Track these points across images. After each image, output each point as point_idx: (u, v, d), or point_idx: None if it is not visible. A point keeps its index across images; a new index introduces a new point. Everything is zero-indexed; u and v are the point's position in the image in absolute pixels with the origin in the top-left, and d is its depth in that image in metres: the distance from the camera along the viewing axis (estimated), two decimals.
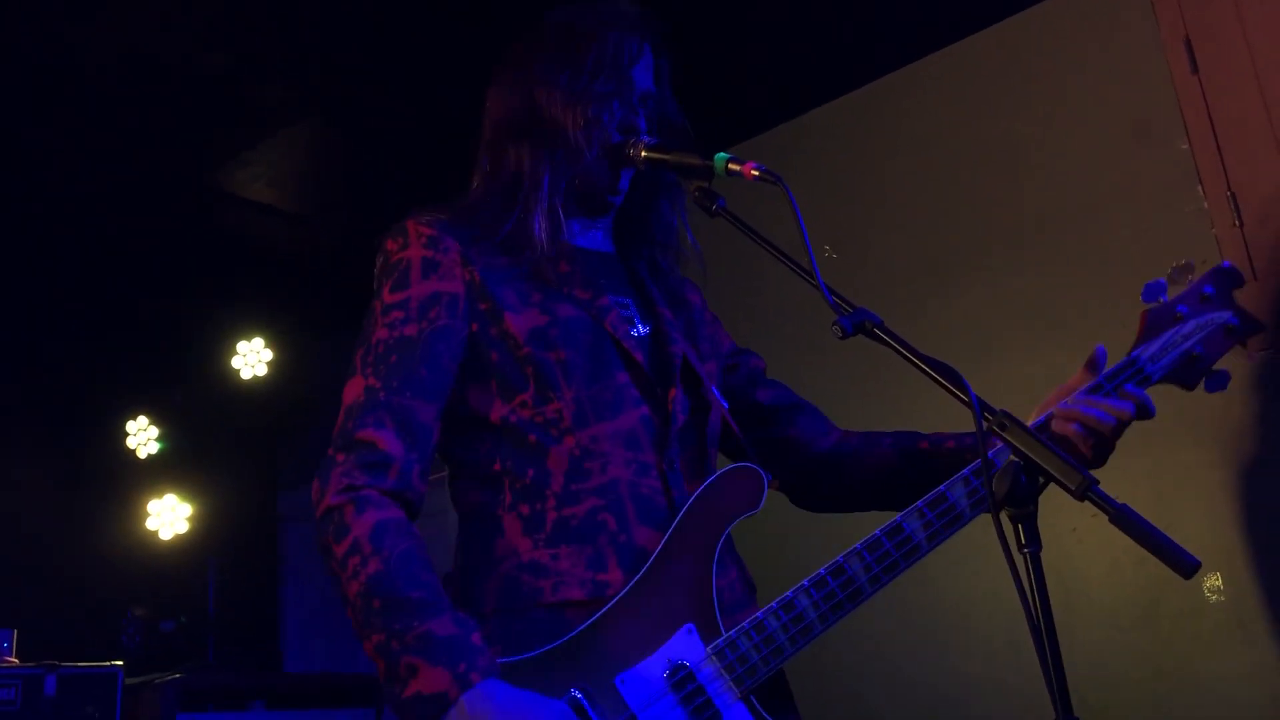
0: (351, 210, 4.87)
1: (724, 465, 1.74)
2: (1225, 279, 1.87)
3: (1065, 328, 3.28)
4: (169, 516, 5.29)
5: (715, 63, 3.72)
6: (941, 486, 1.68)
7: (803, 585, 1.60)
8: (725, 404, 1.84)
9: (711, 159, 1.68)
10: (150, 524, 5.27)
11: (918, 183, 3.73)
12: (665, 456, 1.67)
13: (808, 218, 1.57)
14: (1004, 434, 1.41)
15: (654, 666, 1.53)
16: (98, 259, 4.86)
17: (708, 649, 1.56)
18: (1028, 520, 1.40)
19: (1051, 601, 1.34)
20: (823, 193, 3.82)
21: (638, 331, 1.76)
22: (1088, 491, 1.33)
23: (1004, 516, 1.40)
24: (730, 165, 1.65)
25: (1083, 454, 1.70)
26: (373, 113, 4.19)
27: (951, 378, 1.46)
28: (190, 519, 5.32)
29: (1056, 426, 1.72)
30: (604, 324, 1.69)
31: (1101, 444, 1.71)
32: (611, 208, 1.86)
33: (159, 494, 5.30)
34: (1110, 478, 1.45)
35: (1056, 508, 1.41)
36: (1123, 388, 1.75)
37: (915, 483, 1.77)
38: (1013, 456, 1.42)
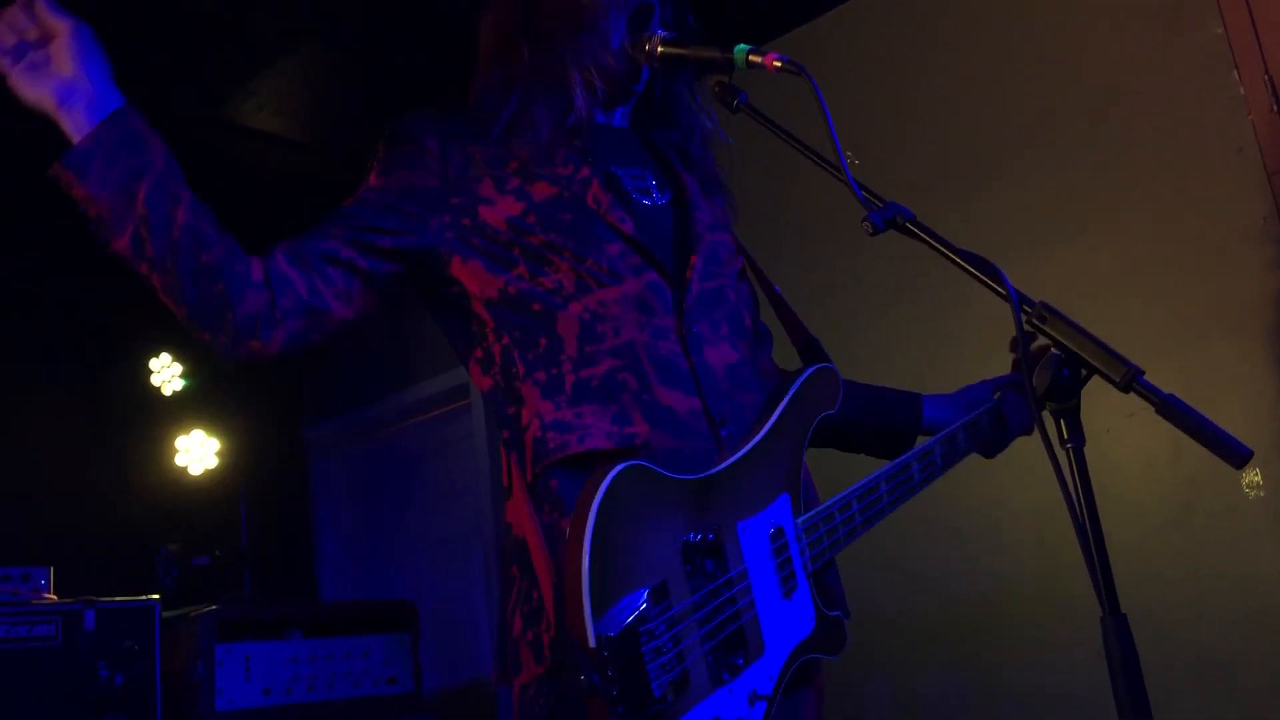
0: (363, 134, 4.79)
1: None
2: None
3: (1100, 222, 3.20)
4: (198, 452, 5.32)
5: None
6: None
7: (882, 471, 1.72)
8: (776, 286, 1.88)
9: (730, 51, 1.62)
10: (179, 460, 5.30)
11: (939, 84, 3.62)
12: (684, 321, 1.63)
13: (833, 113, 1.51)
14: (1044, 326, 1.36)
15: (762, 524, 1.57)
16: None
17: (796, 520, 1.61)
18: (1070, 415, 1.36)
19: None
20: (843, 97, 3.72)
21: (653, 199, 1.73)
22: (1133, 382, 1.29)
23: (1045, 413, 1.36)
24: (751, 57, 1.59)
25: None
26: (373, 30, 4.09)
27: (988, 271, 1.41)
28: (219, 453, 5.35)
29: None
30: (586, 199, 1.63)
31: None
32: (632, 95, 1.81)
33: (186, 430, 5.33)
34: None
35: (1088, 407, 1.37)
36: None
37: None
38: (1054, 349, 1.37)
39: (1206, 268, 3.01)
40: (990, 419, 1.95)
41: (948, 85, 3.60)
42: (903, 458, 1.78)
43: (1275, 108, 2.90)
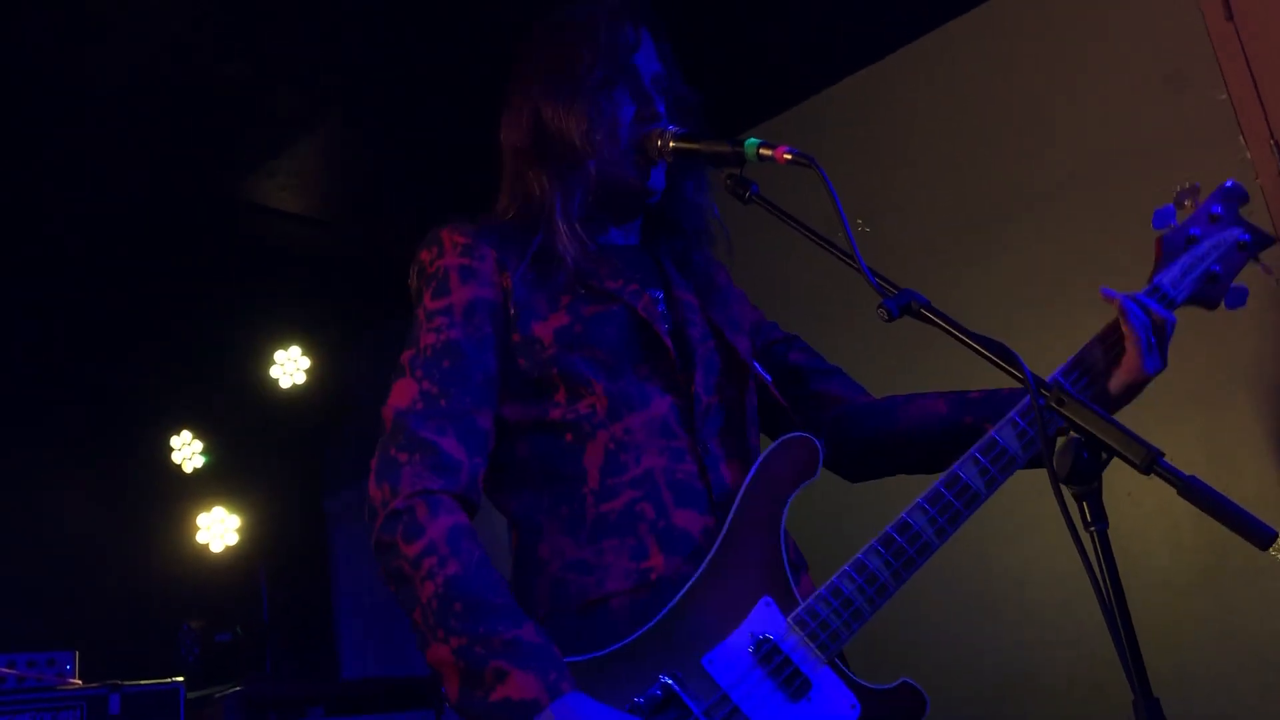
0: (378, 212, 4.88)
1: (766, 444, 1.73)
2: (1231, 197, 1.87)
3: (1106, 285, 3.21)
4: (219, 529, 5.35)
5: (733, 41, 3.68)
6: (991, 432, 1.65)
7: (872, 546, 1.59)
8: (769, 376, 1.84)
9: (741, 145, 1.64)
10: (201, 537, 5.33)
11: (947, 149, 3.67)
12: (698, 439, 1.66)
13: (838, 191, 1.52)
14: (1062, 410, 1.37)
15: (738, 642, 1.53)
16: (130, 276, 4.90)
17: (788, 619, 1.56)
18: (1092, 497, 1.36)
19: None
20: (851, 165, 3.76)
21: (668, 324, 1.75)
22: (1154, 465, 1.29)
23: (1067, 494, 1.36)
24: (762, 150, 1.62)
25: (1146, 353, 1.68)
26: (392, 113, 4.19)
27: (1004, 354, 1.43)
28: (240, 530, 5.38)
29: (1109, 332, 1.73)
30: (637, 308, 1.68)
31: (1163, 342, 1.70)
32: (647, 207, 1.84)
33: (207, 507, 5.36)
34: (1164, 440, 1.41)
35: (1110, 472, 1.37)
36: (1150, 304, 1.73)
37: (967, 431, 1.75)
38: (1072, 433, 1.38)
39: (1222, 328, 3.02)
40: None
41: (952, 152, 3.64)
42: (899, 519, 1.62)
43: None
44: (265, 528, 5.46)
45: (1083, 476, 1.36)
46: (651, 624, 1.51)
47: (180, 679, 3.52)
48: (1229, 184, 1.88)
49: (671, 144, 1.72)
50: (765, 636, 1.54)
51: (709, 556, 1.57)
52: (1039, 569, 3.18)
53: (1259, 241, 1.86)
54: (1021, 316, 3.29)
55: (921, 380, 3.39)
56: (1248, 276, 1.86)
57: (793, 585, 1.59)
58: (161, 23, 3.52)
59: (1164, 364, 1.70)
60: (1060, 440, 1.38)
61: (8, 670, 3.27)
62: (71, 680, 3.38)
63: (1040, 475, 1.67)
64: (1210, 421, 2.96)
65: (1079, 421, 1.36)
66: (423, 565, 1.46)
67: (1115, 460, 1.35)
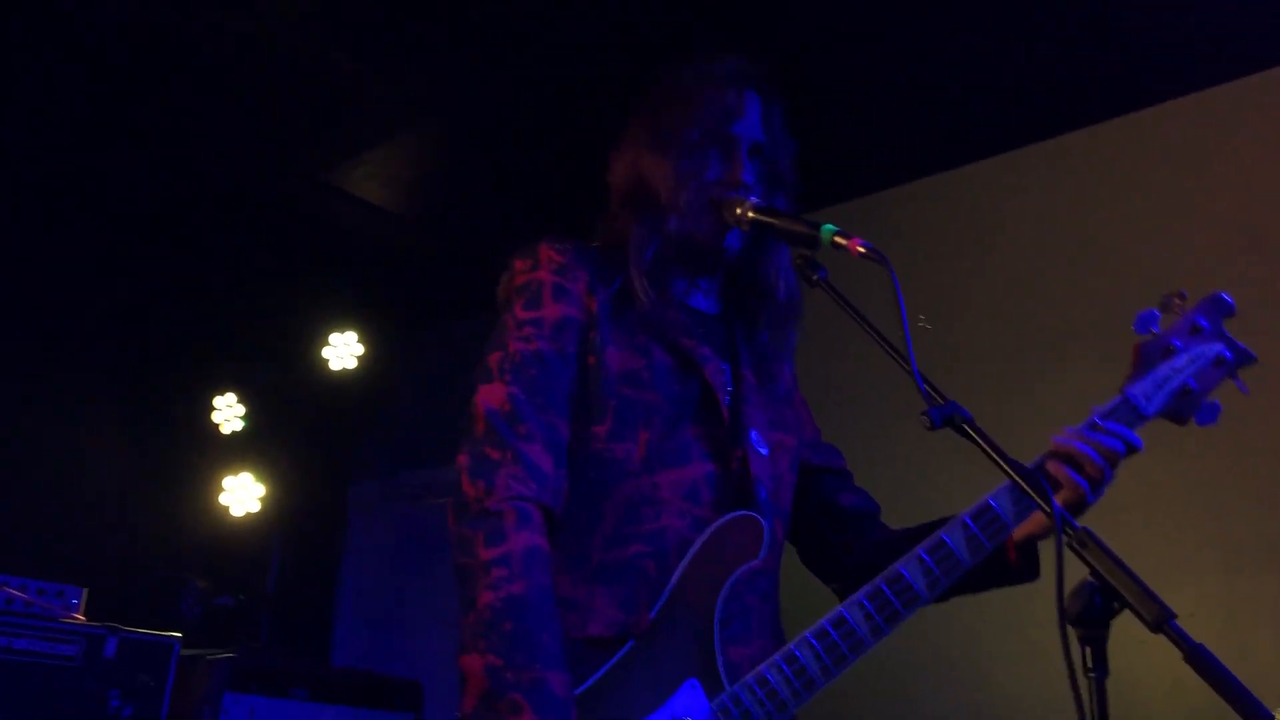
0: (455, 216, 4.97)
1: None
2: (1218, 309, 1.83)
3: (1156, 433, 3.18)
4: (243, 494, 5.42)
5: (827, 118, 3.72)
6: (940, 533, 1.64)
7: (804, 637, 1.59)
8: (792, 476, 1.85)
9: (819, 228, 1.66)
10: (223, 499, 5.40)
11: (1017, 267, 3.68)
12: (719, 512, 1.67)
13: (904, 282, 1.53)
14: (1084, 552, 1.37)
15: None
16: (208, 240, 5.03)
17: (712, 704, 1.54)
18: (1097, 644, 1.36)
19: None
20: (921, 262, 3.78)
21: (728, 396, 1.78)
22: (1164, 625, 1.30)
23: (1072, 635, 1.36)
24: (837, 239, 1.63)
25: (1071, 493, 1.66)
26: (484, 122, 4.26)
27: (1036, 487, 1.43)
28: (262, 499, 5.44)
29: (1050, 466, 1.69)
30: (704, 371, 1.72)
31: (1091, 483, 1.68)
32: (720, 266, 1.87)
33: (235, 471, 5.43)
34: (1184, 599, 1.41)
35: (1125, 615, 1.37)
36: (1107, 426, 1.71)
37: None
38: (1089, 576, 1.38)
39: (1261, 494, 2.99)
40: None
41: (1021, 270, 3.65)
42: (835, 612, 1.61)
43: None
44: (287, 502, 5.52)
45: (1092, 621, 1.36)
46: (583, 688, 1.51)
47: (178, 635, 3.57)
48: (1218, 295, 1.83)
49: (750, 214, 1.76)
50: (687, 719, 1.53)
51: (646, 624, 1.56)
52: (1036, 696, 3.13)
53: (1239, 359, 1.82)
54: None
55: (951, 490, 3.37)
56: (1221, 392, 1.82)
57: (721, 669, 1.56)
58: (274, 9, 3.65)
59: (1083, 506, 1.67)
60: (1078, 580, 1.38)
61: (18, 593, 3.35)
62: (76, 615, 3.44)
63: (1053, 604, 1.68)
64: (1233, 592, 2.91)
65: (1098, 568, 1.36)
66: (491, 573, 1.48)
67: None
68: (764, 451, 1.76)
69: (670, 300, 1.77)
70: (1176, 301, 1.81)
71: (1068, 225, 3.59)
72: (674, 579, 1.59)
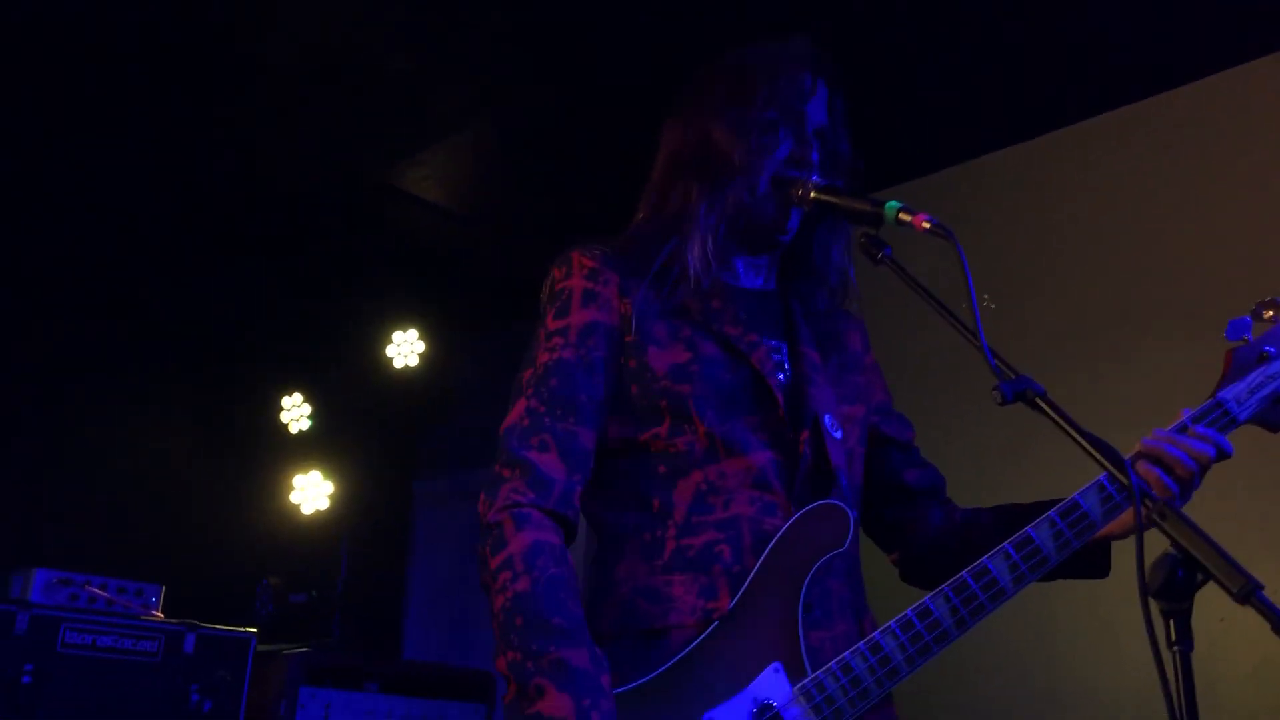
0: (514, 217, 5.01)
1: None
2: None
3: None
4: (312, 492, 5.50)
5: (893, 95, 3.68)
6: (1028, 529, 1.63)
7: (890, 627, 1.59)
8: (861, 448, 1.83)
9: (881, 206, 1.65)
10: (294, 498, 5.49)
11: (1090, 240, 3.60)
12: (793, 496, 1.66)
13: (971, 262, 1.51)
14: (1163, 524, 1.34)
15: (740, 706, 1.53)
16: (273, 240, 5.11)
17: (794, 689, 1.55)
18: (1181, 617, 1.33)
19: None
20: (990, 240, 3.73)
21: (784, 375, 1.76)
22: (1251, 596, 1.26)
23: (1155, 609, 1.34)
24: (901, 215, 1.61)
25: (1161, 495, 1.62)
26: (543, 123, 4.29)
27: (1113, 458, 1.41)
28: (331, 496, 5.52)
29: (1139, 467, 1.67)
30: (751, 359, 1.70)
31: (1181, 486, 1.67)
32: (779, 245, 1.86)
33: (305, 469, 5.52)
34: (1265, 573, 1.37)
35: (1203, 593, 1.34)
36: (1198, 429, 1.69)
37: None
38: (1170, 548, 1.35)
39: None
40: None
41: (1095, 244, 3.58)
42: (921, 603, 1.60)
43: None
44: (355, 499, 5.60)
45: (1174, 594, 1.33)
46: (663, 669, 1.52)
47: (254, 630, 3.65)
48: None
49: (813, 194, 1.75)
50: (769, 703, 1.53)
51: (728, 610, 1.57)
52: (1111, 676, 3.08)
53: None
54: (1142, 427, 3.19)
55: (1024, 468, 3.33)
56: None
57: (804, 654, 1.57)
58: (335, 10, 3.69)
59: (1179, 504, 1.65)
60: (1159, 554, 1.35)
61: (99, 592, 3.44)
62: (155, 612, 3.53)
63: (1128, 580, 1.64)
64: None
65: (1178, 538, 1.33)
66: (499, 579, 1.52)
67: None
68: (838, 435, 1.75)
69: (715, 287, 1.75)
70: (1267, 313, 1.79)
71: (1136, 200, 3.51)
72: (757, 566, 1.60)
